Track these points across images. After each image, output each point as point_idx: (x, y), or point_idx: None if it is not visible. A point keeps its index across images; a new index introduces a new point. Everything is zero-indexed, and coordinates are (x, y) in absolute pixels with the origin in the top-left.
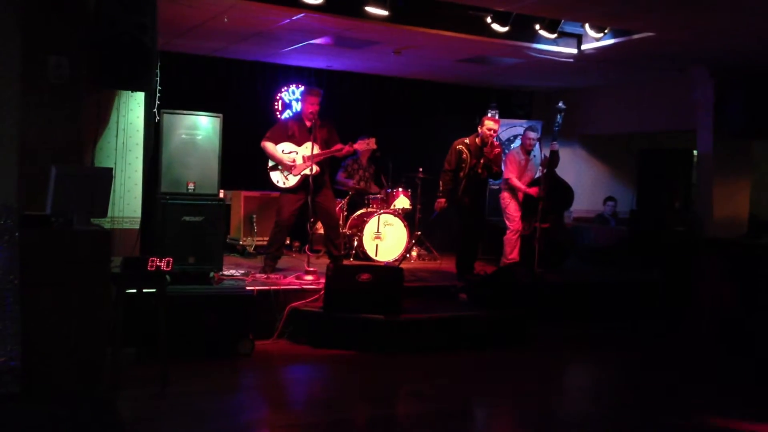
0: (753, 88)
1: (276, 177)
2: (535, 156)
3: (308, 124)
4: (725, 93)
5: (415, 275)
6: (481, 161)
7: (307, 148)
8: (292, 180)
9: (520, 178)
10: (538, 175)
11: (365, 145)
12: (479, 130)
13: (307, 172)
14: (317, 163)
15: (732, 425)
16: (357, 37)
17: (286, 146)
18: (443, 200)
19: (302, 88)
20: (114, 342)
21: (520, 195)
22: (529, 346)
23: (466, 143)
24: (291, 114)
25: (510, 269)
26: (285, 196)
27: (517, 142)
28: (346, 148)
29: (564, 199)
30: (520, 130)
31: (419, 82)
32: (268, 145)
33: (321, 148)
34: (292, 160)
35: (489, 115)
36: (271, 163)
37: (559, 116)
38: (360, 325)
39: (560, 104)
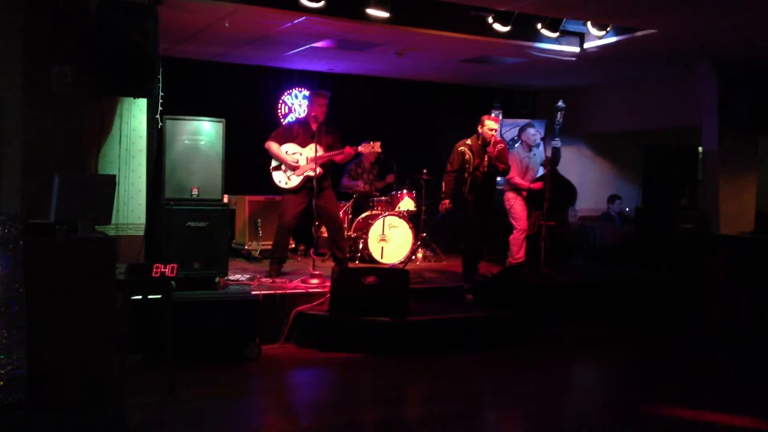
0: (758, 83)
1: (278, 177)
2: (535, 154)
3: (314, 127)
4: (730, 88)
5: (421, 277)
6: (485, 160)
7: (311, 150)
8: (294, 181)
9: (522, 177)
10: (541, 172)
11: (370, 148)
12: (479, 130)
13: (310, 173)
14: (320, 165)
15: (735, 422)
16: (358, 40)
17: (290, 147)
18: (447, 201)
19: (306, 91)
20: (120, 349)
21: (524, 193)
22: (537, 346)
23: (468, 144)
24: (296, 117)
25: (516, 269)
26: (287, 198)
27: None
28: (347, 149)
29: (567, 197)
30: None
31: (422, 83)
32: (272, 145)
33: (324, 151)
34: (296, 161)
35: (491, 114)
36: (273, 164)
37: (559, 115)
38: (366, 328)
39: (560, 103)
